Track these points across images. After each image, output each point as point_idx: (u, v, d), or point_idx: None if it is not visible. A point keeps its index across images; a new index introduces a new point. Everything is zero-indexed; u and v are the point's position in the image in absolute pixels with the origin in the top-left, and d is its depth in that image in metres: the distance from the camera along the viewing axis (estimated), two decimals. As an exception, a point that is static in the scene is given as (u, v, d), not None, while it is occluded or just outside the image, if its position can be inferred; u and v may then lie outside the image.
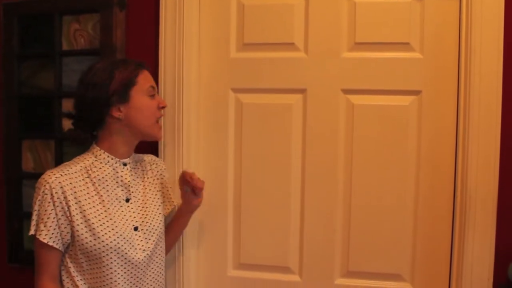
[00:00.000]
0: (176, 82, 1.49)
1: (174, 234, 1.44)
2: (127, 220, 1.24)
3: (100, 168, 1.24)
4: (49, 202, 1.15)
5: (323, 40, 1.48)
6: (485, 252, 1.36)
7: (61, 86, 1.59)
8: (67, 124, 1.58)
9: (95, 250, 1.17)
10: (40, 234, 1.15)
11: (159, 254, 1.31)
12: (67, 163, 1.25)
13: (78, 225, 1.17)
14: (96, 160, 1.24)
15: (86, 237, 1.17)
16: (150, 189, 1.34)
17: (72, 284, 1.20)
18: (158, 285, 1.31)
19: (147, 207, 1.30)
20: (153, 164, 1.40)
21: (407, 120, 1.46)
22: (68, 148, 1.60)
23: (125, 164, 1.27)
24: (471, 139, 1.36)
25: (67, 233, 1.17)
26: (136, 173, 1.31)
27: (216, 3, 1.54)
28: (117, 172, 1.25)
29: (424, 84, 1.44)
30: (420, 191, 1.46)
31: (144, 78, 1.26)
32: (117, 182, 1.25)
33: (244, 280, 1.57)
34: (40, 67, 1.62)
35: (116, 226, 1.21)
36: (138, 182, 1.31)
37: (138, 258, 1.23)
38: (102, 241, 1.17)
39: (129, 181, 1.27)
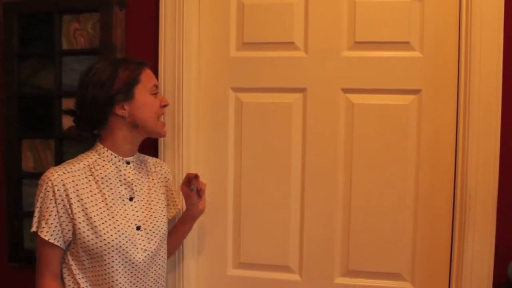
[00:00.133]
0: (176, 81, 1.49)
1: (176, 240, 1.44)
2: (129, 219, 1.24)
3: (103, 166, 1.24)
4: (50, 199, 1.16)
5: (323, 39, 1.48)
6: (485, 251, 1.36)
7: (61, 86, 1.59)
8: (67, 123, 1.58)
9: (96, 248, 1.17)
10: (41, 231, 1.16)
11: (161, 256, 1.31)
12: (70, 160, 1.25)
13: (80, 222, 1.17)
14: (99, 158, 1.25)
15: (87, 235, 1.17)
16: (155, 190, 1.34)
17: (73, 281, 1.20)
18: (159, 287, 1.31)
19: (151, 208, 1.30)
20: (158, 166, 1.40)
21: (407, 119, 1.46)
22: (68, 147, 1.60)
23: (128, 163, 1.27)
24: (471, 138, 1.36)
25: (69, 230, 1.18)
26: (140, 172, 1.31)
27: (216, 2, 1.54)
28: (120, 170, 1.26)
29: (424, 83, 1.44)
30: (420, 190, 1.46)
31: (147, 76, 1.27)
32: (120, 180, 1.25)
33: (244, 279, 1.57)
34: (40, 66, 1.62)
35: (118, 225, 1.21)
36: (142, 182, 1.31)
37: (139, 258, 1.23)
38: (104, 239, 1.17)
39: (132, 179, 1.27)
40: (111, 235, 1.19)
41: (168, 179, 1.42)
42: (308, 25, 1.49)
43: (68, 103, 1.57)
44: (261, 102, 1.54)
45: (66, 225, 1.17)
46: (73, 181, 1.19)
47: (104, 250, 1.18)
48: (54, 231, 1.16)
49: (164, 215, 1.33)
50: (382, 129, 1.47)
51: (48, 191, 1.16)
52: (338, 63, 1.48)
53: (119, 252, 1.19)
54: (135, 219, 1.25)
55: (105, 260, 1.18)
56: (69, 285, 1.20)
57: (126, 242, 1.20)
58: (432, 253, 1.46)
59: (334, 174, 1.50)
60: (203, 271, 1.59)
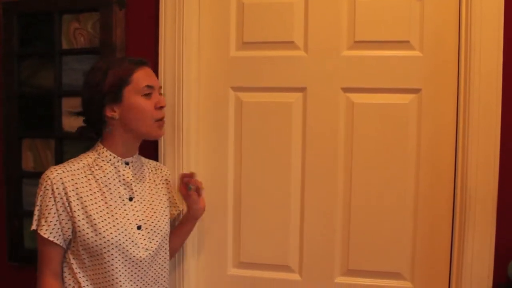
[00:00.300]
0: (176, 81, 1.49)
1: (178, 240, 1.44)
2: (129, 218, 1.24)
3: (102, 166, 1.24)
4: (50, 198, 1.17)
5: (323, 39, 1.48)
6: (485, 251, 1.36)
7: (61, 85, 1.59)
8: (67, 123, 1.58)
9: (96, 246, 1.17)
10: (41, 229, 1.16)
11: (163, 256, 1.31)
12: (71, 160, 1.26)
13: (79, 220, 1.17)
14: (98, 158, 1.25)
15: (87, 233, 1.17)
16: (156, 191, 1.34)
17: (74, 280, 1.20)
18: (159, 287, 1.31)
19: (152, 208, 1.30)
20: (158, 169, 1.40)
21: (407, 119, 1.46)
22: (68, 147, 1.60)
23: (127, 163, 1.28)
24: (471, 138, 1.35)
25: (68, 228, 1.18)
26: (139, 173, 1.31)
27: (216, 2, 1.54)
28: (118, 170, 1.26)
29: (424, 82, 1.44)
30: (420, 190, 1.46)
31: (140, 77, 1.24)
32: (119, 181, 1.26)
33: (244, 279, 1.57)
34: (40, 66, 1.62)
35: (118, 223, 1.21)
36: (142, 182, 1.31)
37: (140, 257, 1.23)
38: (104, 236, 1.18)
39: (131, 179, 1.27)
40: (111, 233, 1.19)
41: (169, 181, 1.42)
42: (308, 24, 1.49)
43: (69, 103, 1.58)
44: (261, 101, 1.53)
45: (66, 223, 1.18)
46: (72, 179, 1.19)
47: (104, 248, 1.18)
48: (53, 229, 1.17)
49: (166, 215, 1.33)
50: (382, 128, 1.47)
51: (47, 190, 1.17)
52: (338, 62, 1.48)
53: (119, 250, 1.19)
54: (135, 219, 1.25)
55: (105, 258, 1.18)
56: (69, 284, 1.21)
57: (126, 240, 1.21)
58: (432, 252, 1.45)
59: (334, 174, 1.50)
60: (203, 270, 1.59)
